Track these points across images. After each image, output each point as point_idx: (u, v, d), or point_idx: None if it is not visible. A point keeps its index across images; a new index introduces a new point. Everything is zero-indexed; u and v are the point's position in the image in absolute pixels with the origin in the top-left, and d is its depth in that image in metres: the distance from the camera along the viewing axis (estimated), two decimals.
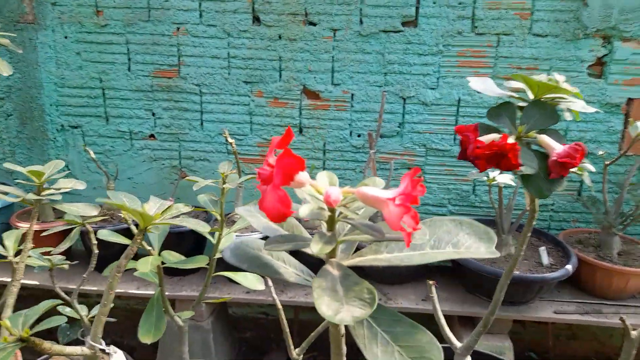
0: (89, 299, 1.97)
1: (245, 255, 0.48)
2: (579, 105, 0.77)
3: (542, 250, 1.59)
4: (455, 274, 1.73)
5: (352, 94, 1.77)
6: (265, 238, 0.51)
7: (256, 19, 1.73)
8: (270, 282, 0.93)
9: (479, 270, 1.50)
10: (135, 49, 1.78)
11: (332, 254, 0.45)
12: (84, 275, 0.86)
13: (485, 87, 0.83)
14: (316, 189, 0.46)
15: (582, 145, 0.70)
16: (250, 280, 1.01)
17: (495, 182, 1.50)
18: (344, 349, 0.49)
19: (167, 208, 0.58)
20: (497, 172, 1.51)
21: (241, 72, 1.77)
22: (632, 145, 1.52)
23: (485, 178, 1.51)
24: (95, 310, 0.80)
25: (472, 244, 0.44)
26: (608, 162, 1.53)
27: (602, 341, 2.02)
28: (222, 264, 1.06)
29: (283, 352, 1.99)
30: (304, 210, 0.43)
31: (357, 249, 0.51)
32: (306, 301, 1.62)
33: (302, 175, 0.45)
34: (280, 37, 1.73)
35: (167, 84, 1.80)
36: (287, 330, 0.93)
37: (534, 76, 0.92)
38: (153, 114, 1.84)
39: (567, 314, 1.59)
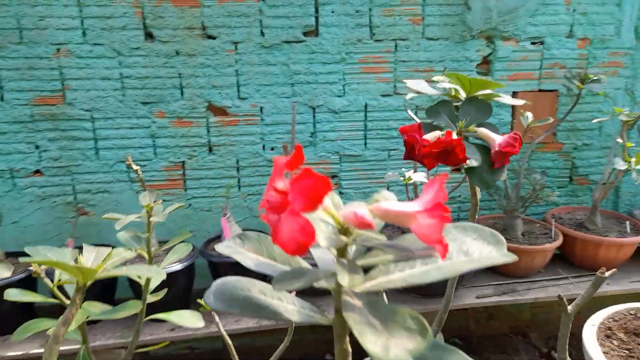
0: None
1: (234, 298, 0.41)
2: (507, 99, 0.81)
3: (514, 256, 1.67)
4: None
5: (261, 107, 1.72)
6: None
7: (149, 35, 1.61)
8: (217, 318, 0.84)
9: None
10: (7, 76, 1.55)
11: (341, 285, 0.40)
12: None
13: (421, 88, 0.83)
14: (328, 212, 0.40)
15: (519, 134, 0.74)
16: (187, 319, 0.91)
17: (410, 182, 1.55)
18: None
19: (107, 256, 0.48)
20: (412, 171, 1.56)
21: (137, 92, 1.63)
22: (525, 134, 1.67)
23: (401, 178, 1.55)
24: None
25: (483, 250, 0.41)
26: None
27: (515, 316, 2.18)
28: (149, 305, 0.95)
29: None
30: (322, 239, 0.37)
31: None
32: (237, 327, 1.53)
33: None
34: (177, 53, 1.62)
35: (51, 111, 1.59)
36: None
37: (437, 76, 0.96)
38: (37, 147, 1.62)
39: (487, 297, 1.68)
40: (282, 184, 0.38)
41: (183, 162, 1.73)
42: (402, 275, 0.41)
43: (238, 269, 1.61)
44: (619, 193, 2.05)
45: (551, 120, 1.64)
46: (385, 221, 0.40)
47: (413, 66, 1.77)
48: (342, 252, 0.39)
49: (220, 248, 0.46)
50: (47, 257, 0.45)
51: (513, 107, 1.91)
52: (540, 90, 1.90)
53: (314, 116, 1.75)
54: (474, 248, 0.41)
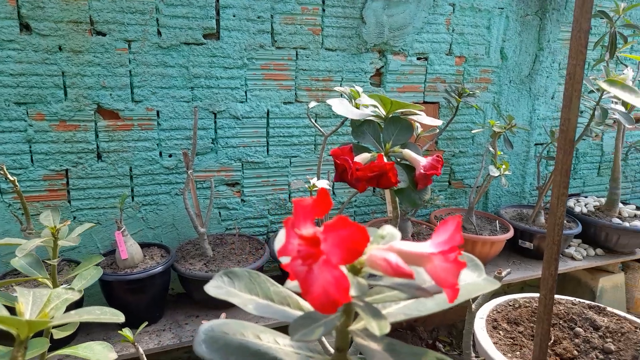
0: None
1: (229, 346, 0.37)
2: (426, 119, 0.87)
3: (497, 283, 1.75)
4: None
5: (158, 111, 1.61)
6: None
7: (25, 27, 1.42)
8: (141, 350, 0.77)
9: None
10: None
11: (347, 322, 0.39)
12: None
13: (345, 109, 0.86)
14: None
15: (440, 157, 0.80)
16: (98, 353, 0.83)
17: (315, 189, 1.58)
18: None
19: (47, 300, 0.41)
20: (315, 178, 1.59)
21: (11, 91, 1.42)
22: (417, 141, 1.80)
23: (306, 185, 1.58)
24: None
25: (467, 277, 0.44)
26: None
27: None
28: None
29: None
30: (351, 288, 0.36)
31: None
32: (134, 353, 1.42)
33: None
34: (60, 49, 1.45)
35: None
36: None
37: (337, 87, 1.00)
38: None
39: None
40: (309, 231, 0.35)
41: (67, 170, 1.55)
42: (398, 308, 0.42)
43: (134, 287, 1.49)
44: (488, 195, 2.32)
45: (437, 130, 1.80)
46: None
47: (313, 75, 1.81)
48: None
49: (210, 290, 0.43)
50: None
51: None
52: (425, 102, 2.07)
53: (215, 122, 1.70)
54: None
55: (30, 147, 1.49)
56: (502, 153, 1.96)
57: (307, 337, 0.35)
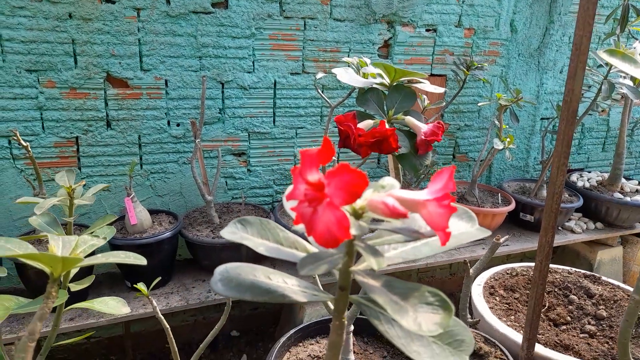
0: None
1: (242, 285, 0.41)
2: (429, 87, 0.89)
3: (488, 232, 1.79)
4: None
5: (166, 80, 1.63)
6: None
7: None
8: (154, 303, 0.82)
9: None
10: None
11: (349, 263, 0.43)
12: None
13: (349, 77, 0.87)
14: None
15: (442, 124, 0.82)
16: (112, 307, 0.87)
17: None
18: (340, 355, 0.48)
19: (75, 244, 0.45)
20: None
21: (22, 58, 1.45)
22: (423, 113, 1.82)
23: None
24: None
25: (460, 226, 0.47)
26: None
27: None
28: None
29: None
30: (352, 228, 0.39)
31: None
32: (145, 312, 1.48)
33: None
34: (71, 16, 1.46)
35: None
36: (175, 349, 0.84)
37: (345, 57, 1.02)
38: None
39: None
40: (315, 177, 0.39)
41: (77, 138, 1.59)
42: (397, 253, 0.46)
43: (143, 251, 1.54)
44: (492, 169, 2.34)
45: (443, 103, 1.81)
46: None
47: (321, 46, 1.81)
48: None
49: (225, 234, 0.46)
50: (13, 251, 0.41)
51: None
52: (432, 75, 2.07)
53: (222, 92, 1.72)
54: (452, 225, 0.47)
55: (41, 114, 1.52)
56: (507, 127, 1.97)
57: (313, 272, 0.39)
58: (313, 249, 0.47)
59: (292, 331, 1.12)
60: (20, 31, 1.42)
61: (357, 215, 0.42)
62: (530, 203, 2.07)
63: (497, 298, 1.34)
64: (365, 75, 1.02)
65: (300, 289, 0.44)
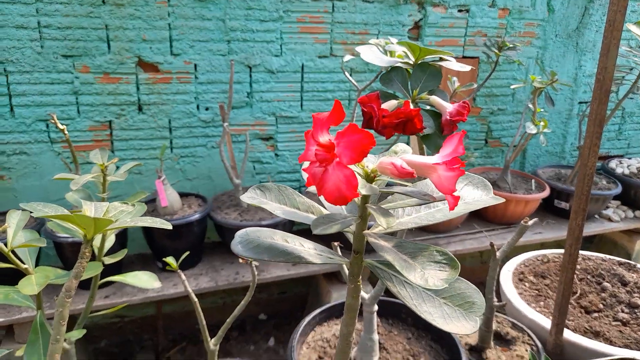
0: None
1: (261, 246, 0.42)
2: (456, 65, 0.86)
3: (501, 199, 1.78)
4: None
5: (195, 65, 1.65)
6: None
7: None
8: (183, 276, 0.84)
9: None
10: None
11: (363, 226, 0.43)
12: None
13: (374, 56, 0.86)
14: (358, 163, 0.42)
15: (467, 103, 0.80)
16: (144, 281, 0.90)
17: None
18: (356, 319, 0.48)
19: (106, 210, 0.47)
20: None
21: (59, 44, 1.49)
22: (451, 98, 1.78)
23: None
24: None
25: (475, 194, 0.47)
26: None
27: None
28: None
29: (150, 352, 1.84)
30: (360, 187, 0.40)
31: None
32: (175, 292, 1.52)
33: None
34: (104, 2, 1.50)
35: None
36: (204, 322, 0.86)
37: (373, 39, 1.00)
38: None
39: None
40: (326, 138, 0.40)
41: (110, 122, 1.63)
42: (410, 219, 0.46)
43: (173, 232, 1.57)
44: (526, 154, 2.28)
45: (474, 85, 1.76)
46: None
47: (349, 28, 1.79)
48: (366, 199, 0.43)
49: (244, 198, 0.47)
50: (45, 212, 0.43)
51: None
52: (464, 57, 2.02)
53: (250, 76, 1.73)
54: (466, 193, 0.46)
55: (76, 98, 1.57)
56: (542, 110, 1.90)
57: (325, 231, 0.39)
58: (327, 211, 0.48)
59: (317, 311, 1.12)
60: (57, 18, 1.47)
61: (369, 178, 0.42)
62: (565, 190, 2.00)
63: (526, 284, 1.30)
64: (392, 54, 1.01)
65: (316, 252, 0.44)
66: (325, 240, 1.78)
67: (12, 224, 0.68)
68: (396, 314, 1.13)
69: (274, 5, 1.67)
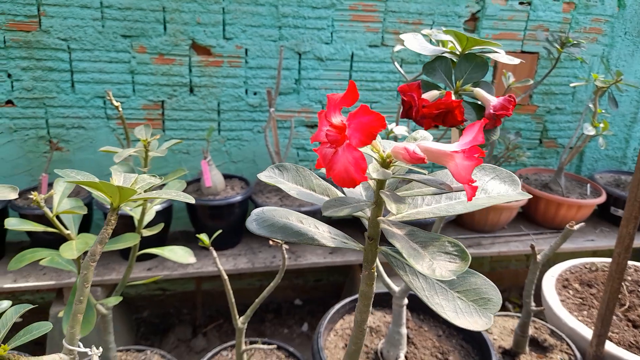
0: None
1: (275, 225, 0.43)
2: (504, 57, 0.83)
3: (527, 194, 1.74)
4: (356, 225, 1.80)
5: (246, 49, 1.68)
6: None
7: None
8: (215, 253, 0.86)
9: None
10: None
11: (377, 213, 0.43)
12: None
13: (418, 44, 0.84)
14: (374, 147, 0.42)
15: (514, 97, 0.76)
16: (179, 255, 0.93)
17: (392, 134, 1.58)
18: (371, 307, 0.48)
19: (134, 181, 0.49)
20: (394, 124, 1.58)
21: (118, 24, 1.56)
22: (505, 94, 1.71)
23: (384, 132, 1.57)
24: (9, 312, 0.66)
25: (500, 188, 0.45)
26: None
27: (476, 269, 2.31)
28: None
29: (188, 326, 1.91)
30: (372, 171, 0.39)
31: None
32: (214, 270, 1.56)
33: None
34: None
35: (26, 38, 1.51)
36: (233, 300, 0.88)
37: (425, 30, 0.96)
38: (9, 76, 1.54)
39: None
40: (338, 119, 0.39)
41: (163, 102, 1.69)
42: (430, 209, 0.44)
43: (215, 212, 1.61)
44: (583, 157, 2.16)
45: (531, 82, 1.68)
46: (428, 159, 0.42)
47: (403, 18, 1.76)
48: (381, 184, 0.42)
49: (262, 177, 0.48)
50: (76, 178, 0.45)
51: (494, 66, 1.94)
52: (522, 52, 1.93)
53: (299, 62, 1.73)
54: (492, 187, 0.44)
55: (132, 77, 1.63)
56: (603, 112, 1.79)
57: (336, 213, 0.39)
58: (342, 194, 0.47)
59: (347, 300, 1.12)
60: None
61: (385, 163, 0.40)
62: (623, 197, 1.88)
63: (570, 291, 1.24)
64: (445, 44, 0.97)
65: (330, 235, 0.44)
66: (350, 228, 1.77)
67: (58, 191, 0.72)
68: (428, 309, 1.11)
69: None
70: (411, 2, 1.74)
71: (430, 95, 0.80)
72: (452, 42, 0.85)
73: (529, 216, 1.99)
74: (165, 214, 1.55)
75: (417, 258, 0.36)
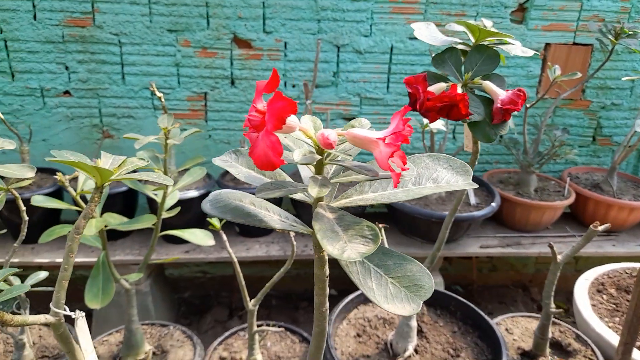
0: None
1: (227, 206, 0.46)
2: (518, 49, 0.80)
3: (469, 190, 1.69)
4: (390, 218, 1.80)
5: (285, 43, 1.71)
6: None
7: None
8: (224, 237, 0.91)
9: (413, 213, 1.57)
10: None
11: (320, 198, 0.45)
12: (15, 245, 0.79)
13: (429, 34, 0.83)
14: (305, 133, 0.44)
15: (523, 91, 0.74)
16: (199, 237, 0.99)
17: (428, 128, 1.56)
18: (327, 290, 0.50)
19: (121, 163, 0.53)
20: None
21: (164, 19, 1.64)
22: (550, 88, 1.63)
23: (419, 124, 1.55)
24: (31, 281, 0.74)
25: (450, 178, 0.45)
26: (528, 105, 1.63)
27: (518, 270, 2.23)
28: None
29: (225, 308, 1.99)
30: (297, 155, 0.42)
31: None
32: (247, 255, 1.62)
33: (293, 119, 0.43)
34: None
35: (81, 33, 1.63)
36: (243, 282, 0.92)
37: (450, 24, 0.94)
38: (67, 68, 1.67)
39: (491, 247, 1.72)
40: (261, 105, 0.42)
41: (205, 94, 1.76)
42: (374, 196, 0.46)
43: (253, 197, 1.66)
44: None
45: (579, 75, 1.59)
46: (356, 145, 0.44)
47: (445, 9, 1.72)
48: (319, 170, 0.44)
49: (217, 161, 0.51)
50: (68, 158, 0.50)
51: (544, 59, 1.86)
52: (574, 44, 1.83)
53: (337, 55, 1.74)
54: (443, 176, 0.45)
55: (177, 70, 1.72)
56: None
57: (268, 195, 0.41)
58: (290, 180, 0.49)
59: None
60: None
61: (319, 149, 0.42)
62: None
63: (604, 296, 1.18)
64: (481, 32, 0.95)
65: (279, 218, 0.46)
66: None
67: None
68: (445, 305, 1.09)
69: None
70: None
71: (436, 87, 0.79)
72: (465, 32, 0.84)
73: (577, 217, 1.89)
74: (198, 199, 1.62)
75: (332, 240, 0.37)
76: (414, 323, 0.95)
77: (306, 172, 0.49)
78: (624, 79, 1.57)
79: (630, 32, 1.56)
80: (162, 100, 1.37)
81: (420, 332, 1.01)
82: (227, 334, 1.13)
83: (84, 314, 0.54)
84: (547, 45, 1.81)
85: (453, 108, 0.72)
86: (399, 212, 1.64)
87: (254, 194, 0.51)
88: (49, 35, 1.62)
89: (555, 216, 1.78)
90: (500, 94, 0.74)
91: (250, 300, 0.98)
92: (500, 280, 2.24)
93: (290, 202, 1.82)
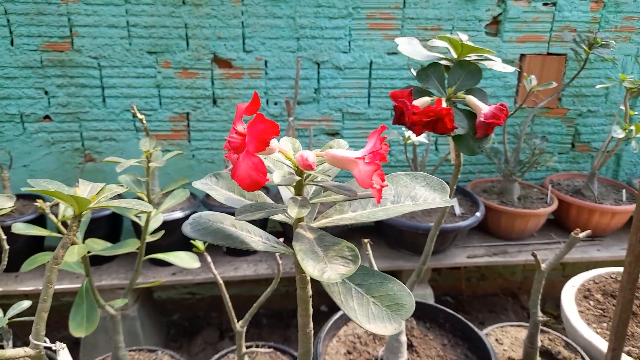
0: None
1: (207, 229, 0.46)
2: (499, 65, 0.82)
3: (454, 201, 1.71)
4: (377, 231, 1.80)
5: (266, 61, 1.72)
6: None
7: None
8: (209, 259, 0.90)
9: (399, 225, 1.58)
10: (17, 20, 1.57)
11: (300, 218, 0.45)
12: None
13: (412, 49, 0.84)
14: (285, 154, 0.45)
15: (505, 106, 0.75)
16: (184, 260, 0.98)
17: (410, 141, 1.57)
18: (311, 310, 0.50)
19: (100, 190, 0.53)
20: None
21: (144, 41, 1.64)
22: (527, 98, 1.66)
23: (401, 137, 1.57)
24: (12, 312, 0.72)
25: (428, 196, 0.46)
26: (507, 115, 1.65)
27: (507, 278, 2.25)
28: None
29: (215, 329, 1.97)
30: (276, 177, 0.42)
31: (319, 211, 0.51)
32: (235, 275, 1.61)
33: (273, 141, 0.44)
34: (184, 2, 1.62)
35: (60, 58, 1.62)
36: (229, 304, 0.91)
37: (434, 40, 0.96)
38: (46, 93, 1.66)
39: (478, 257, 1.73)
40: (242, 127, 0.42)
41: (187, 114, 1.76)
42: (354, 215, 0.46)
43: (234, 219, 1.64)
44: (620, 162, 2.06)
45: (554, 84, 1.63)
46: (335, 166, 0.44)
47: (421, 24, 1.75)
48: (299, 190, 0.44)
49: (197, 185, 0.51)
50: (46, 188, 0.50)
51: (520, 70, 1.90)
52: (549, 54, 1.87)
53: (318, 72, 1.76)
54: (421, 194, 0.45)
55: (159, 91, 1.71)
56: (636, 113, 1.71)
57: (248, 217, 0.41)
58: (271, 201, 0.49)
59: None
60: (143, 17, 1.61)
61: (299, 171, 0.42)
62: None
63: (590, 302, 1.19)
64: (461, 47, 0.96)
65: (261, 240, 0.46)
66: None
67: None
68: (434, 318, 1.09)
69: (343, 3, 1.68)
70: (429, 8, 1.73)
71: (421, 102, 0.80)
72: (447, 48, 0.85)
73: (561, 223, 1.92)
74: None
75: (312, 260, 0.37)
76: (403, 338, 0.94)
77: (286, 193, 0.49)
78: (598, 86, 1.61)
79: (603, 42, 1.61)
80: (144, 122, 1.36)
81: (410, 346, 1.01)
82: (216, 356, 1.11)
83: (64, 345, 0.53)
84: (522, 56, 1.85)
85: (439, 122, 0.73)
86: (385, 225, 1.64)
87: None
88: (27, 60, 1.61)
89: (540, 223, 1.80)
90: (484, 109, 0.75)
91: (238, 321, 0.97)
92: (490, 289, 2.25)
93: (277, 221, 1.82)
